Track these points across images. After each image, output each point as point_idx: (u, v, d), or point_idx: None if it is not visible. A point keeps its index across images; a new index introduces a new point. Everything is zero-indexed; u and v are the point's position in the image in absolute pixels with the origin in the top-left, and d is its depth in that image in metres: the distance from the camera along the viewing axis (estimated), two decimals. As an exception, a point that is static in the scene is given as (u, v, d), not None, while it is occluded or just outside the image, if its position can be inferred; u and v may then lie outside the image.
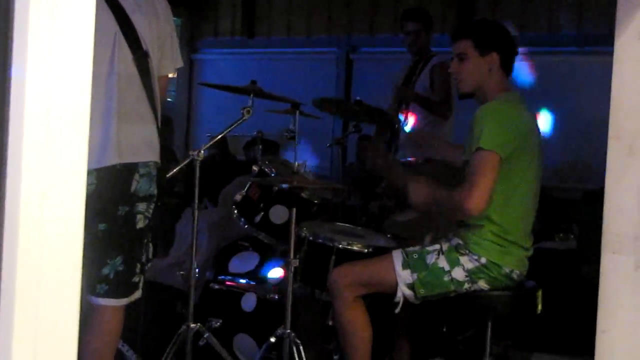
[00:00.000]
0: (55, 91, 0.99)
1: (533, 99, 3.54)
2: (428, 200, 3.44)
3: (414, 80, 5.42)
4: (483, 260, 3.32)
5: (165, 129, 7.34)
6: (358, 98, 4.87)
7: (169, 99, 8.51)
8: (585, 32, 6.28)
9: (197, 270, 3.66)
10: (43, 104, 0.98)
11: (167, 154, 5.40)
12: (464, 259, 3.33)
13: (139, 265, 3.17)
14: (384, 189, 5.15)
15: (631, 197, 2.24)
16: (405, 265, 3.35)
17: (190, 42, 9.32)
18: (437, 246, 3.39)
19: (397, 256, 3.39)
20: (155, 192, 3.16)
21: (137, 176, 3.08)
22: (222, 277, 4.09)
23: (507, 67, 3.46)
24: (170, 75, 3.44)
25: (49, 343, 1.08)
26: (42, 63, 0.97)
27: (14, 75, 0.95)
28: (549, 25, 6.54)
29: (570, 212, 4.92)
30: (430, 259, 3.35)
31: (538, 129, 3.48)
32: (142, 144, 3.11)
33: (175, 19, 9.20)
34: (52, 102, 0.98)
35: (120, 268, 3.09)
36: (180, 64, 3.35)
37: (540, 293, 3.49)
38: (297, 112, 3.95)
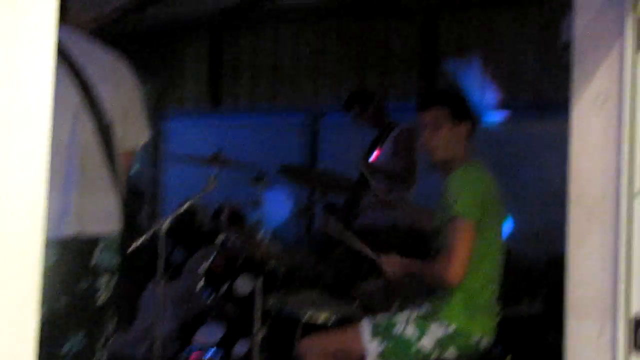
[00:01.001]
0: (9, 165, 0.98)
1: (494, 166, 3.55)
2: (402, 270, 3.46)
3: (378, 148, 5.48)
4: (452, 327, 3.31)
5: (136, 201, 7.28)
6: (324, 167, 4.90)
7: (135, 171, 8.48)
8: (544, 98, 6.37)
9: (161, 342, 3.61)
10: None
11: (133, 224, 5.35)
12: (433, 327, 3.31)
13: (101, 341, 3.11)
14: (339, 254, 5.15)
15: (593, 262, 2.25)
16: (375, 335, 3.32)
17: (155, 112, 9.32)
18: (405, 314, 3.37)
19: (366, 326, 3.36)
20: (117, 263, 3.12)
21: (98, 249, 3.05)
22: (188, 349, 4.03)
23: (472, 136, 3.50)
24: (133, 149, 3.41)
25: None
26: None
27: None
28: (508, 91, 6.63)
29: (536, 278, 4.92)
30: (398, 329, 3.32)
31: (500, 196, 3.51)
32: (103, 215, 3.07)
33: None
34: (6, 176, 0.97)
35: (82, 345, 3.03)
36: (146, 137, 3.31)
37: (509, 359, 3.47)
38: (263, 181, 3.95)
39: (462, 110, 3.48)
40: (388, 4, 7.19)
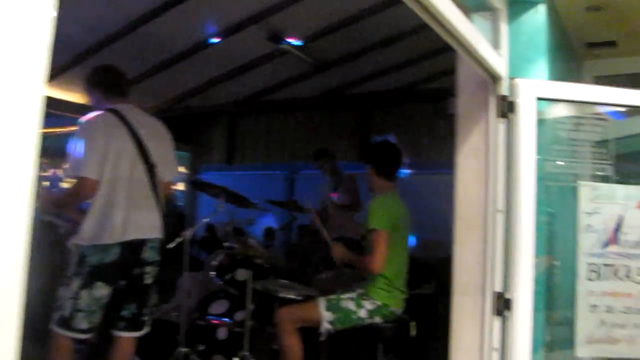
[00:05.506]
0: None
1: (407, 200, 3.46)
2: (343, 258, 3.35)
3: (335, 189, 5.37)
4: (378, 302, 3.18)
5: (179, 219, 7.05)
6: (294, 199, 4.78)
7: (180, 203, 8.38)
8: (438, 160, 6.43)
9: (187, 312, 3.41)
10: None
11: (169, 232, 5.13)
12: (366, 303, 3.19)
13: (146, 309, 2.95)
14: (315, 259, 5.03)
15: (471, 257, 2.15)
16: (328, 308, 3.19)
17: (193, 167, 9.18)
18: (347, 295, 3.23)
19: (322, 302, 3.22)
20: (159, 258, 2.98)
21: (146, 248, 2.91)
22: (205, 316, 3.83)
23: (385, 174, 3.36)
24: (170, 181, 3.22)
25: None
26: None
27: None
28: (418, 156, 6.64)
29: (431, 271, 4.81)
30: (344, 304, 3.19)
31: (408, 216, 3.39)
32: (150, 225, 2.95)
33: (184, 153, 8.89)
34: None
35: (134, 311, 2.90)
36: (177, 172, 3.21)
37: (414, 323, 3.33)
38: (254, 207, 3.80)
39: (366, 159, 3.41)
40: (338, 100, 7.18)
